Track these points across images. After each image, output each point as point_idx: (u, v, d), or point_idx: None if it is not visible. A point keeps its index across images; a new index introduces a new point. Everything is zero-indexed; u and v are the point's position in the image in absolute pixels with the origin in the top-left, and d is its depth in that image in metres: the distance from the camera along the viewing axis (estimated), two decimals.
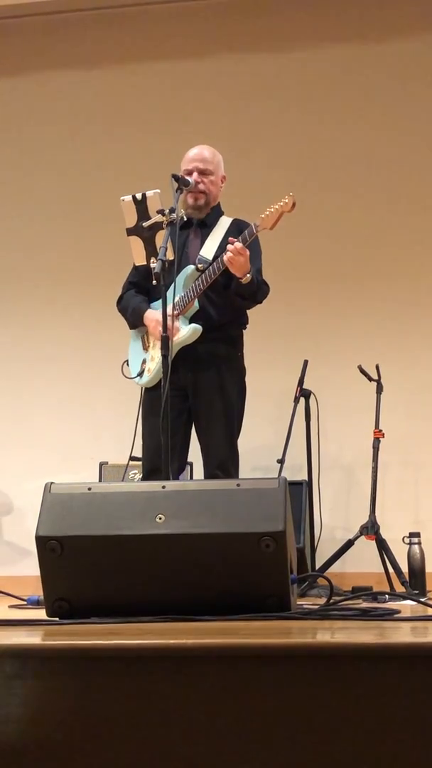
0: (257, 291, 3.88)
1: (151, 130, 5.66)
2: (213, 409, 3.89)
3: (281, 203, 3.72)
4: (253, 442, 4.35)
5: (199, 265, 3.88)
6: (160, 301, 3.56)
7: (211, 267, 3.82)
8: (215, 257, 3.86)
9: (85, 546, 2.43)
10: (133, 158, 5.59)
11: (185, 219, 3.96)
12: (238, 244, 3.70)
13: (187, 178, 3.90)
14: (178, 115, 5.63)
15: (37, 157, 5.83)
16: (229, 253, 3.70)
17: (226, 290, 3.88)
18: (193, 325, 3.85)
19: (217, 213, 4.07)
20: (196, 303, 3.87)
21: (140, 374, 3.96)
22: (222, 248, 3.85)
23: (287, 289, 4.97)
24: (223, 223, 4.03)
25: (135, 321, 4.02)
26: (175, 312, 3.77)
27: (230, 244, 3.72)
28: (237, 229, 3.95)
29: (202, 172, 3.97)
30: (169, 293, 3.62)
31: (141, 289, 4.03)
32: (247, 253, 3.73)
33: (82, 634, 2.08)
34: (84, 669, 1.72)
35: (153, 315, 3.89)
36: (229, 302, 3.91)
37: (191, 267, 3.89)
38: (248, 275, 3.76)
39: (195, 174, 3.96)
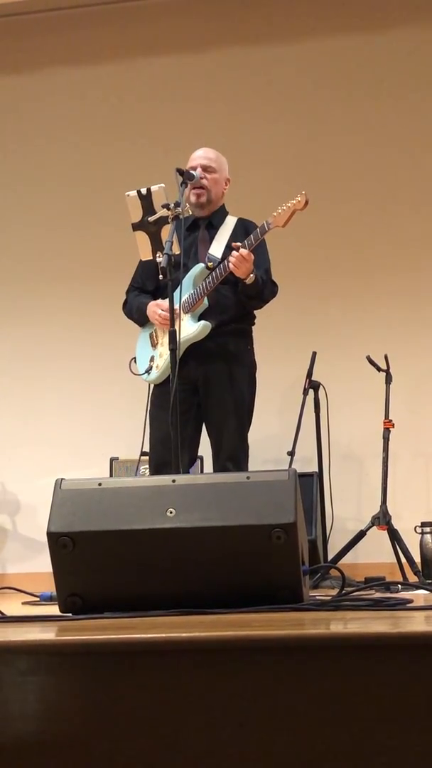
0: (263, 290, 3.90)
1: (153, 125, 5.65)
2: (223, 402, 3.90)
3: (294, 201, 3.73)
4: (262, 434, 4.35)
5: (209, 263, 3.88)
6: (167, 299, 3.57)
7: (218, 267, 3.83)
8: (223, 257, 3.88)
9: (96, 541, 2.43)
10: (136, 154, 5.58)
11: (191, 215, 3.97)
12: (244, 251, 3.72)
13: (192, 171, 3.90)
14: (181, 110, 5.61)
15: (38, 155, 5.82)
16: (233, 260, 3.71)
17: (236, 287, 3.89)
18: (203, 322, 3.86)
19: (222, 213, 4.09)
20: (205, 301, 3.87)
21: (148, 371, 3.97)
22: (229, 248, 3.86)
23: (294, 280, 4.96)
24: (229, 223, 4.06)
25: (141, 318, 4.05)
26: (183, 310, 3.78)
27: (235, 250, 3.72)
28: (243, 228, 3.97)
29: (205, 168, 3.99)
30: (176, 292, 3.62)
31: (144, 292, 4.06)
32: (252, 258, 3.74)
33: (95, 629, 2.08)
34: (97, 664, 1.72)
35: (152, 305, 3.92)
36: (238, 299, 3.92)
37: (200, 265, 3.90)
38: (252, 275, 3.77)
39: (199, 169, 3.97)
